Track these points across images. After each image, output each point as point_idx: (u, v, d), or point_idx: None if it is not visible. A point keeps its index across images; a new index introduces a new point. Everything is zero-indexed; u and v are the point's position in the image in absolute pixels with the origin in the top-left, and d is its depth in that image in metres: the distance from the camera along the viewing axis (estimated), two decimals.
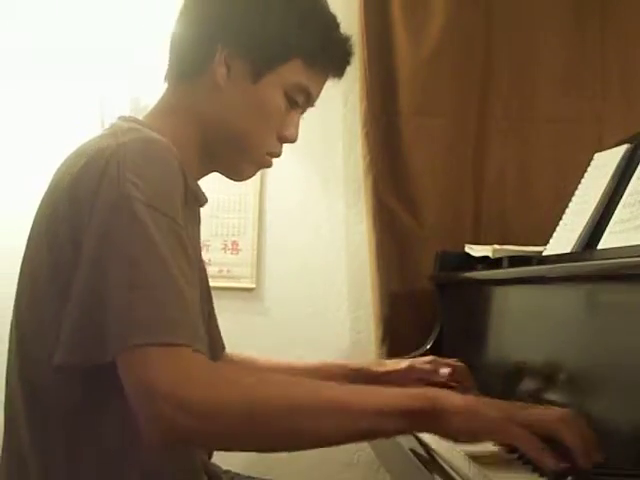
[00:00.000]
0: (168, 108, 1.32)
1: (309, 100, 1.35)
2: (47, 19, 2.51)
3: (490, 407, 1.15)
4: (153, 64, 2.35)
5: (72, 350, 1.08)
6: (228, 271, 2.57)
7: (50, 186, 1.21)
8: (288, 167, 2.57)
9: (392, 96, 2.48)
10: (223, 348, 1.57)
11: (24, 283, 1.21)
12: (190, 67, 1.31)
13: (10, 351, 1.23)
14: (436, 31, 2.46)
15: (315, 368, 1.60)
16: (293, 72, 1.30)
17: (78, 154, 1.19)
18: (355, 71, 2.48)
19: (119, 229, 1.07)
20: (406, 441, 1.51)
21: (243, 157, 1.34)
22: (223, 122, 1.30)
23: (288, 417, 1.06)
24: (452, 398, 1.13)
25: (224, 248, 2.58)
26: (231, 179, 1.40)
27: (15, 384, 1.19)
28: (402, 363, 1.65)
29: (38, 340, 1.16)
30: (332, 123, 2.61)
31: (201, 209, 1.40)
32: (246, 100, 1.29)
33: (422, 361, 1.67)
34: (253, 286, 2.61)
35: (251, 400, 1.05)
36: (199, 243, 1.41)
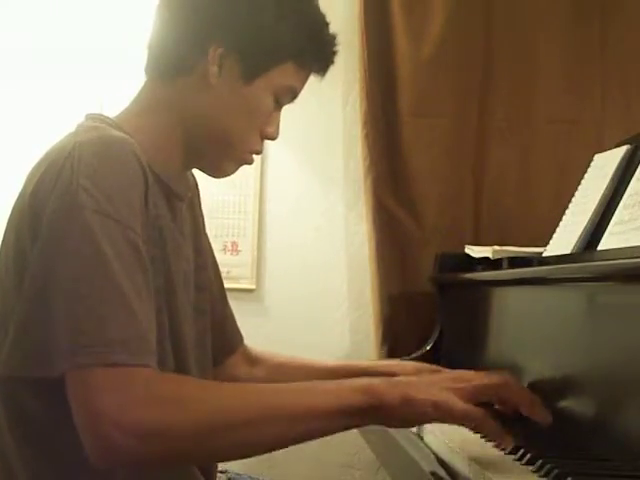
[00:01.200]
0: (149, 104, 1.30)
1: (294, 98, 1.35)
2: (47, 19, 2.51)
3: (427, 389, 1.13)
4: None
5: (12, 362, 1.07)
6: (228, 272, 2.57)
7: (18, 196, 1.20)
8: (288, 168, 2.57)
9: (392, 97, 2.48)
10: (241, 340, 1.59)
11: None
12: (178, 64, 1.28)
13: None
14: (436, 31, 2.46)
15: (332, 370, 1.56)
16: (284, 74, 1.30)
17: (41, 160, 1.18)
18: (355, 72, 2.48)
19: (66, 241, 1.05)
20: (415, 452, 1.51)
21: (226, 155, 1.33)
22: (209, 120, 1.28)
23: (230, 431, 1.05)
24: (390, 389, 1.11)
25: (224, 249, 2.58)
26: (211, 176, 1.38)
27: None
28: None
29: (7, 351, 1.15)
30: (332, 124, 2.61)
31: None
32: (236, 100, 1.28)
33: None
34: (253, 287, 2.61)
35: (192, 418, 1.03)
36: (196, 233, 1.40)
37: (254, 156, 1.35)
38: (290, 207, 2.63)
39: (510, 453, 1.26)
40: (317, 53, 1.32)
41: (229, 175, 1.37)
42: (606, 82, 2.48)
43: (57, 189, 1.08)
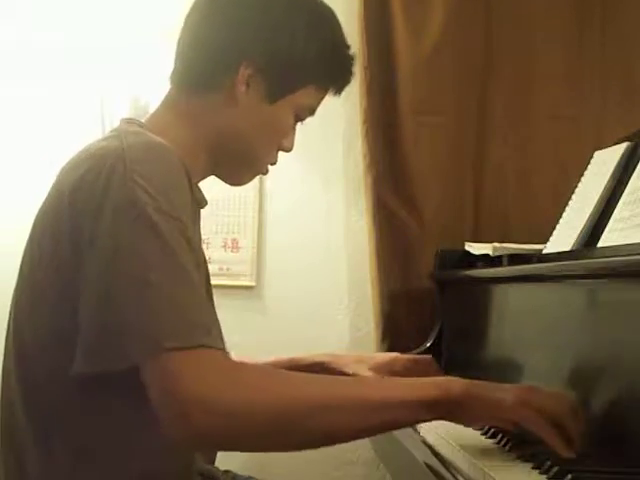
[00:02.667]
0: (177, 113, 1.33)
1: (312, 115, 1.41)
2: (47, 19, 2.51)
3: (496, 390, 1.19)
4: (153, 63, 2.36)
5: (92, 358, 1.08)
6: (228, 269, 2.57)
7: (52, 189, 1.21)
8: (288, 165, 2.56)
9: (392, 95, 2.48)
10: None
11: (23, 286, 1.21)
12: (209, 80, 1.32)
13: (7, 354, 1.22)
14: (436, 30, 2.45)
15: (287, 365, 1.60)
16: (306, 96, 1.36)
17: (81, 157, 1.19)
18: (355, 70, 2.48)
19: (132, 233, 1.08)
20: (415, 449, 1.51)
21: (246, 167, 1.39)
22: (234, 135, 1.33)
23: (314, 416, 1.08)
24: (462, 385, 1.16)
25: (224, 246, 2.58)
26: (228, 184, 1.43)
27: (14, 386, 1.19)
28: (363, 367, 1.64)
29: (37, 344, 1.16)
30: (332, 122, 2.61)
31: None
32: (259, 118, 1.33)
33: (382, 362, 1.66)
34: (253, 284, 2.61)
35: (276, 400, 1.07)
36: (201, 243, 1.42)
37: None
38: (290, 204, 2.63)
39: (511, 450, 1.27)
40: (339, 76, 1.39)
41: (245, 184, 1.44)
42: (606, 80, 2.48)
43: (113, 189, 1.10)
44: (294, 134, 1.40)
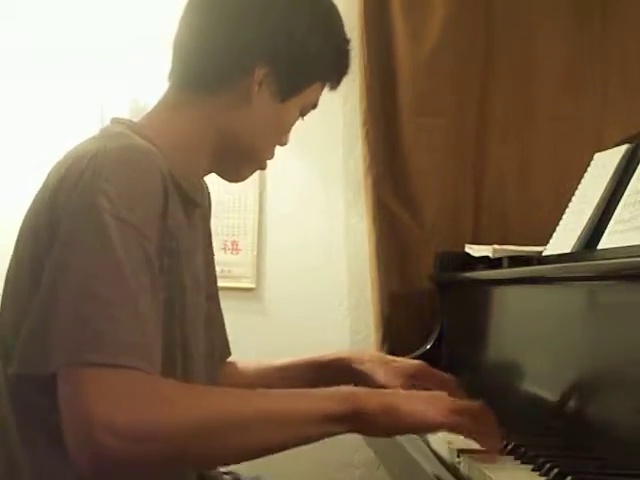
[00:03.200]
0: (178, 113, 1.32)
1: (314, 109, 1.41)
2: (47, 19, 2.51)
3: (411, 401, 1.16)
4: (152, 64, 2.36)
5: (24, 360, 1.07)
6: (228, 271, 2.57)
7: (37, 194, 1.21)
8: (288, 167, 2.57)
9: (392, 96, 2.48)
10: (228, 354, 1.56)
11: (8, 288, 1.20)
12: (222, 79, 1.31)
13: None
14: (436, 31, 2.45)
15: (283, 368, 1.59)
16: (313, 92, 1.37)
17: (66, 158, 1.19)
18: (355, 71, 2.48)
19: (83, 240, 1.06)
20: (415, 451, 1.51)
21: (247, 163, 1.39)
22: (241, 134, 1.33)
23: (222, 433, 1.06)
24: (373, 398, 1.14)
25: (224, 248, 2.58)
26: (228, 181, 1.42)
27: (2, 388, 1.18)
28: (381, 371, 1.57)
29: (15, 341, 1.14)
30: (332, 123, 2.61)
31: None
32: (269, 117, 1.33)
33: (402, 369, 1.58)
34: (253, 286, 2.61)
35: (185, 420, 1.04)
36: (207, 244, 1.42)
37: None
38: (290, 206, 2.63)
39: (510, 452, 1.26)
40: (342, 70, 1.40)
41: (245, 180, 1.43)
42: (606, 81, 2.48)
43: (77, 191, 1.09)
44: (290, 129, 1.41)
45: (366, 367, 1.54)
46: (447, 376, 1.54)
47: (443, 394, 1.23)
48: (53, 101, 2.55)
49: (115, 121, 1.29)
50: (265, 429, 1.09)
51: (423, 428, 1.22)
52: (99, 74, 2.49)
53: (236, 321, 2.47)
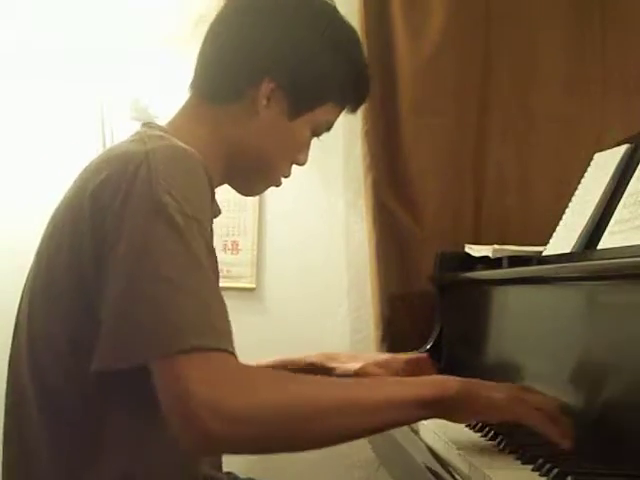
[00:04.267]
0: (196, 121, 1.34)
1: (328, 130, 1.44)
2: (47, 19, 2.51)
3: (491, 389, 1.22)
4: (153, 64, 2.37)
5: (110, 353, 1.07)
6: (228, 271, 2.57)
7: (70, 193, 1.21)
8: None
9: (392, 96, 2.48)
10: None
11: (38, 286, 1.21)
12: (230, 91, 1.33)
13: (18, 353, 1.22)
14: (436, 31, 2.45)
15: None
16: (326, 112, 1.39)
17: (103, 160, 1.20)
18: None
19: (155, 234, 1.08)
20: (415, 451, 1.51)
21: (260, 178, 1.41)
22: (252, 148, 1.34)
23: (319, 419, 1.10)
24: (458, 384, 1.19)
25: (224, 248, 2.59)
26: (241, 194, 1.45)
27: (27, 385, 1.19)
28: (354, 364, 1.64)
29: (51, 343, 1.16)
30: None
31: None
32: (278, 133, 1.35)
33: (375, 363, 1.66)
34: (253, 286, 2.61)
35: (286, 404, 1.08)
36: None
37: None
38: (290, 206, 2.63)
39: (511, 452, 1.27)
40: (357, 95, 1.43)
41: (257, 195, 1.48)
42: (606, 81, 2.48)
43: (137, 192, 1.10)
44: (308, 149, 1.42)
45: (334, 363, 1.61)
46: (422, 355, 1.60)
47: (518, 386, 1.29)
48: (54, 101, 2.55)
49: (147, 125, 1.31)
50: (358, 414, 1.13)
51: (497, 415, 1.24)
52: (100, 74, 2.48)
53: (236, 321, 2.48)
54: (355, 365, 1.61)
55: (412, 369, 1.63)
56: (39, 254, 1.23)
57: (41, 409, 1.17)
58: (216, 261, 1.22)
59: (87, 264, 1.12)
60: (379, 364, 1.64)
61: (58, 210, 1.22)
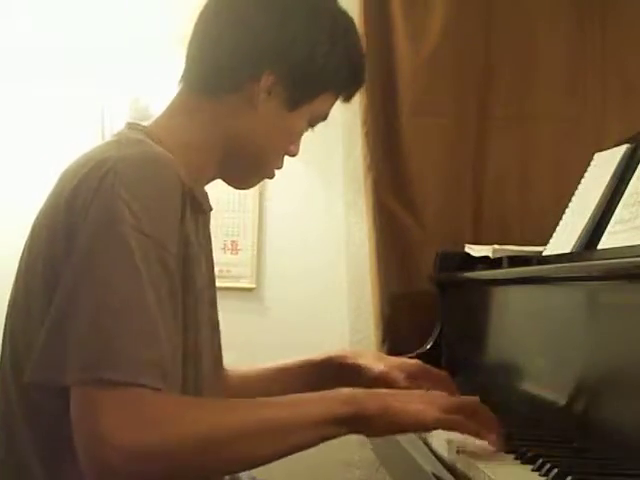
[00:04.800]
0: (189, 115, 1.32)
1: (324, 120, 1.41)
2: (47, 20, 2.51)
3: (405, 401, 1.18)
4: (153, 64, 2.37)
5: (38, 368, 1.07)
6: (228, 271, 2.57)
7: (52, 194, 1.20)
8: (288, 167, 2.56)
9: (392, 96, 2.48)
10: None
11: (19, 294, 1.20)
12: (229, 83, 1.31)
13: (3, 361, 1.21)
14: (436, 31, 2.45)
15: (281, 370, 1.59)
16: (323, 102, 1.36)
17: (81, 163, 1.18)
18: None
19: (103, 250, 1.06)
20: (416, 451, 1.51)
21: (254, 171, 1.39)
22: (247, 140, 1.32)
23: (228, 446, 1.08)
24: (372, 399, 1.16)
25: (224, 248, 2.58)
26: (235, 187, 1.43)
27: (13, 395, 1.17)
28: (379, 364, 1.56)
29: (29, 354, 1.14)
30: (332, 124, 2.60)
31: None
32: (276, 125, 1.33)
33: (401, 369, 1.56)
34: (253, 286, 2.61)
35: (190, 436, 1.05)
36: (209, 250, 1.41)
37: None
38: (290, 206, 2.63)
39: (510, 452, 1.26)
40: (354, 83, 1.40)
41: (250, 188, 1.45)
42: (606, 81, 2.48)
43: (97, 200, 1.09)
44: (300, 139, 1.41)
45: (362, 361, 1.54)
46: (443, 373, 1.55)
47: (438, 393, 1.26)
48: (54, 101, 2.54)
49: (130, 126, 1.29)
50: (269, 438, 1.11)
51: (419, 427, 1.23)
52: (100, 74, 2.49)
53: (236, 321, 2.49)
54: (380, 366, 1.56)
55: (433, 385, 1.56)
56: (20, 260, 1.22)
57: (28, 420, 1.16)
58: (189, 279, 1.18)
59: (57, 271, 1.11)
60: (403, 370, 1.55)
61: (38, 217, 1.21)
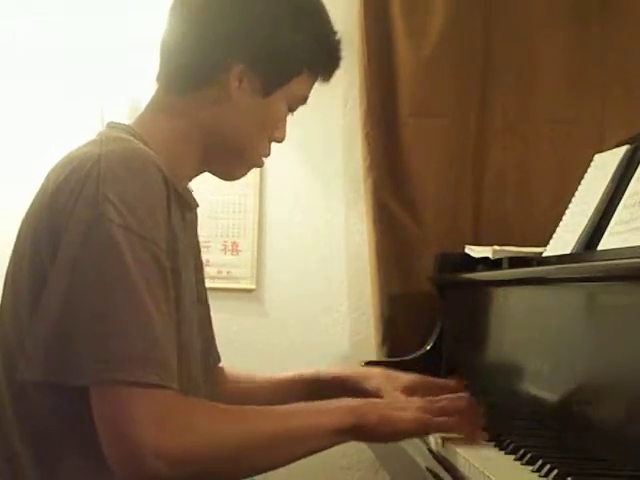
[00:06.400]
0: (166, 112, 1.32)
1: (304, 103, 1.39)
2: (46, 20, 2.51)
3: (398, 409, 1.25)
4: (152, 64, 2.36)
5: (40, 366, 1.07)
6: (228, 272, 2.57)
7: (37, 194, 1.20)
8: (288, 168, 2.57)
9: (392, 97, 2.48)
10: (219, 360, 1.56)
11: (7, 294, 1.20)
12: (199, 78, 1.31)
13: None
14: (436, 31, 2.45)
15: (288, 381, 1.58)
16: (299, 85, 1.35)
17: (64, 163, 1.18)
18: (355, 72, 2.48)
19: (93, 252, 1.07)
20: (416, 453, 1.51)
21: (240, 161, 1.37)
22: (226, 130, 1.32)
23: (252, 454, 1.14)
24: (372, 410, 1.22)
25: (224, 249, 2.58)
26: (223, 179, 1.42)
27: (5, 394, 1.17)
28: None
29: (20, 354, 1.14)
30: (332, 124, 2.61)
31: (202, 211, 1.41)
32: (253, 112, 1.32)
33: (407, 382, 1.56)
34: (253, 287, 2.61)
35: (221, 443, 1.10)
36: (197, 248, 1.42)
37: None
38: (290, 207, 2.62)
39: (510, 453, 1.26)
40: (328, 61, 1.37)
41: (240, 178, 1.42)
42: (606, 82, 2.48)
43: (82, 199, 1.09)
44: (285, 124, 1.39)
45: (373, 385, 1.54)
46: (452, 382, 1.55)
47: (418, 399, 1.30)
48: (53, 101, 2.55)
49: (112, 125, 1.29)
50: (289, 445, 1.18)
51: (413, 434, 1.32)
52: (99, 74, 2.48)
53: (236, 322, 2.49)
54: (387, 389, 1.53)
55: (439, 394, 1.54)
56: (10, 260, 1.22)
57: (18, 420, 1.16)
58: (174, 273, 1.18)
59: (43, 272, 1.11)
60: (414, 389, 1.52)
61: (26, 215, 1.21)
